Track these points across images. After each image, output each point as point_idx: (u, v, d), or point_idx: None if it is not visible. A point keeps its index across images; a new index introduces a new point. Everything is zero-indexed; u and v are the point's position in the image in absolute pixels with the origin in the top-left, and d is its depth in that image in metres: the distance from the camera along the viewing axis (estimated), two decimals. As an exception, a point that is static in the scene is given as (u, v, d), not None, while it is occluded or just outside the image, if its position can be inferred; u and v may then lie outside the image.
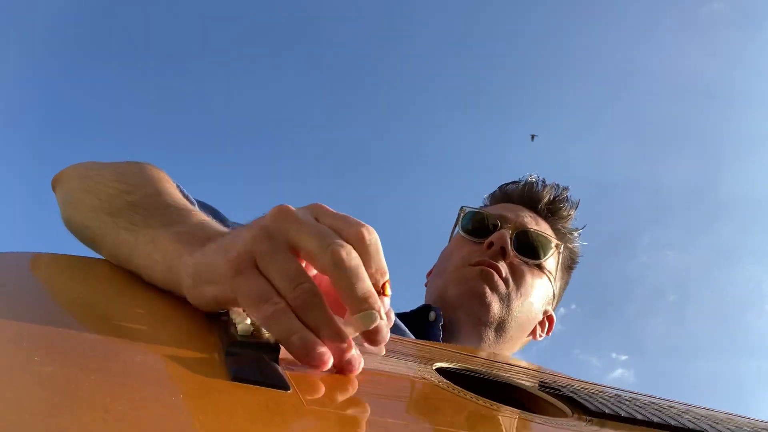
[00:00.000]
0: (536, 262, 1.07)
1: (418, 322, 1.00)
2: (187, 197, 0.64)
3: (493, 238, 1.03)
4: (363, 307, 0.38)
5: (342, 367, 0.39)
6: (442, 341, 0.97)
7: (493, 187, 1.26)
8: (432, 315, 1.00)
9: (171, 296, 0.47)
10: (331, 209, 0.44)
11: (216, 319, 0.42)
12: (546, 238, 1.09)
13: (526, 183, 1.19)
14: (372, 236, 0.41)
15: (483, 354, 0.72)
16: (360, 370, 0.40)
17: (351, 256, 0.39)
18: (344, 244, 0.39)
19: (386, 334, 0.40)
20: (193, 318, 0.43)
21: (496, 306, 1.00)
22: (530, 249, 1.07)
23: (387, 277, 0.42)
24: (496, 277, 1.01)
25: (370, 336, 0.40)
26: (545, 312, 1.14)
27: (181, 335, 0.40)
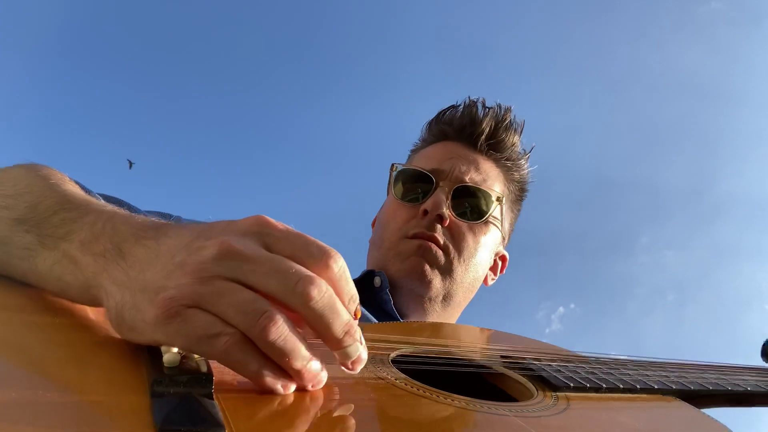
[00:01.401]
0: (477, 222, 1.00)
1: (364, 289, 0.96)
2: (87, 192, 0.56)
3: (427, 205, 0.96)
4: (344, 344, 0.36)
5: (311, 389, 0.37)
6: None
7: None
8: (377, 280, 0.96)
9: (93, 321, 0.43)
10: (280, 227, 0.38)
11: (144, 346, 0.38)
12: (486, 192, 1.00)
13: (464, 112, 1.07)
14: (340, 265, 0.37)
15: (442, 331, 0.70)
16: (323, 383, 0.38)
17: (323, 292, 0.35)
18: (313, 278, 0.35)
19: (365, 360, 0.38)
20: (119, 347, 0.39)
21: (437, 281, 0.96)
22: (470, 207, 0.99)
23: (357, 301, 0.39)
24: (435, 249, 0.95)
25: (350, 367, 0.38)
26: (496, 254, 1.09)
27: (103, 374, 0.36)
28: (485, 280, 1.08)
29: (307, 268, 0.36)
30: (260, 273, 0.35)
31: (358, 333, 0.37)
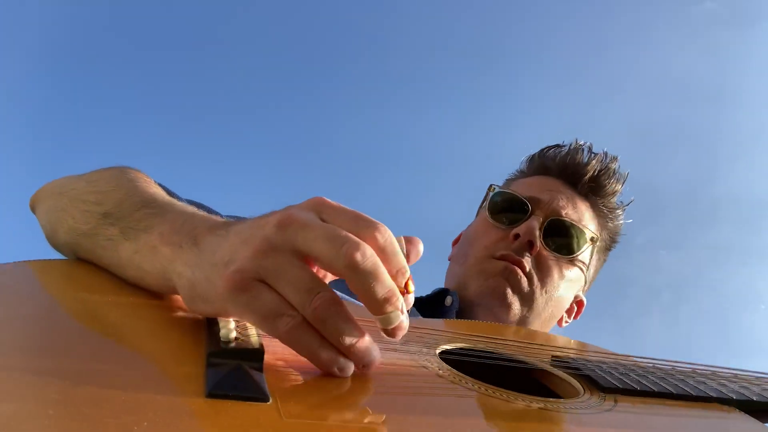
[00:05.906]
0: (567, 258, 0.99)
1: (433, 307, 0.98)
2: (172, 195, 0.60)
3: (520, 230, 0.95)
4: (384, 310, 0.38)
5: (363, 369, 0.39)
6: None
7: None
8: (449, 300, 0.97)
9: (166, 302, 0.47)
10: (335, 203, 0.41)
11: (210, 322, 0.42)
12: (580, 230, 0.99)
13: (569, 152, 1.07)
14: (386, 237, 0.39)
15: (494, 330, 0.70)
16: (377, 363, 0.39)
17: (366, 255, 0.37)
18: (358, 242, 0.37)
19: (406, 328, 0.39)
20: (188, 323, 0.43)
21: (516, 306, 0.95)
22: (562, 241, 0.98)
23: (408, 273, 0.40)
24: (520, 274, 0.94)
25: (390, 333, 0.39)
26: (575, 298, 1.07)
27: (169, 345, 0.39)
28: (560, 321, 1.07)
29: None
30: (312, 239, 0.37)
31: (400, 302, 0.38)
